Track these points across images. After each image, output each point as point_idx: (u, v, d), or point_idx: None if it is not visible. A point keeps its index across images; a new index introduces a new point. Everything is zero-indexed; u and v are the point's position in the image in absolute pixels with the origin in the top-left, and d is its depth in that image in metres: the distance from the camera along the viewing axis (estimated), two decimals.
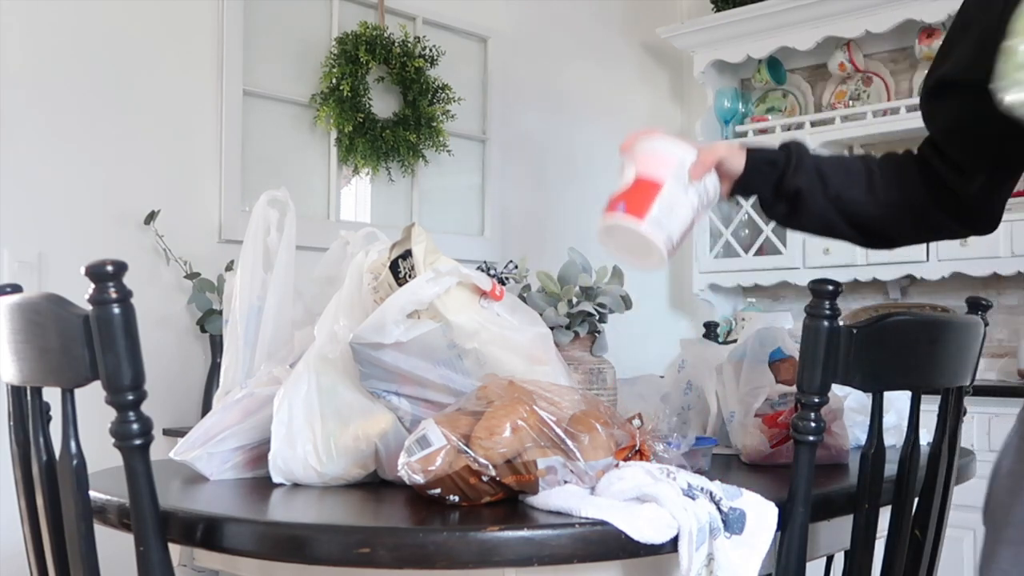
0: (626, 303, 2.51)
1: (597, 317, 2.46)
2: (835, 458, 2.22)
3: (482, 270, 2.40)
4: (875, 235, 2.00)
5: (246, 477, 2.04)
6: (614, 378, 2.51)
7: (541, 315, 2.26)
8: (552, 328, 2.25)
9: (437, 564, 1.51)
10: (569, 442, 1.68)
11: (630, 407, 2.54)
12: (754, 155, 1.96)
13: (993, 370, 4.54)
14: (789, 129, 5.11)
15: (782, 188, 1.94)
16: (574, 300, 2.43)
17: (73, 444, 1.56)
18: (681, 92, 5.71)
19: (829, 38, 4.94)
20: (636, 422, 1.81)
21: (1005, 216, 1.94)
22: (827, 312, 1.75)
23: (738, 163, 1.95)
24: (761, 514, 1.65)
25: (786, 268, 4.99)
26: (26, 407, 1.82)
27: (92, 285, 1.48)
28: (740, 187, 1.98)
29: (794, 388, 1.95)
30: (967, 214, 1.92)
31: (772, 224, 5.01)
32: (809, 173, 1.93)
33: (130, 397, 1.49)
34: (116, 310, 1.47)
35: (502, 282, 2.39)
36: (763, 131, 5.21)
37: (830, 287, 1.77)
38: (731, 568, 1.60)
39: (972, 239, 4.20)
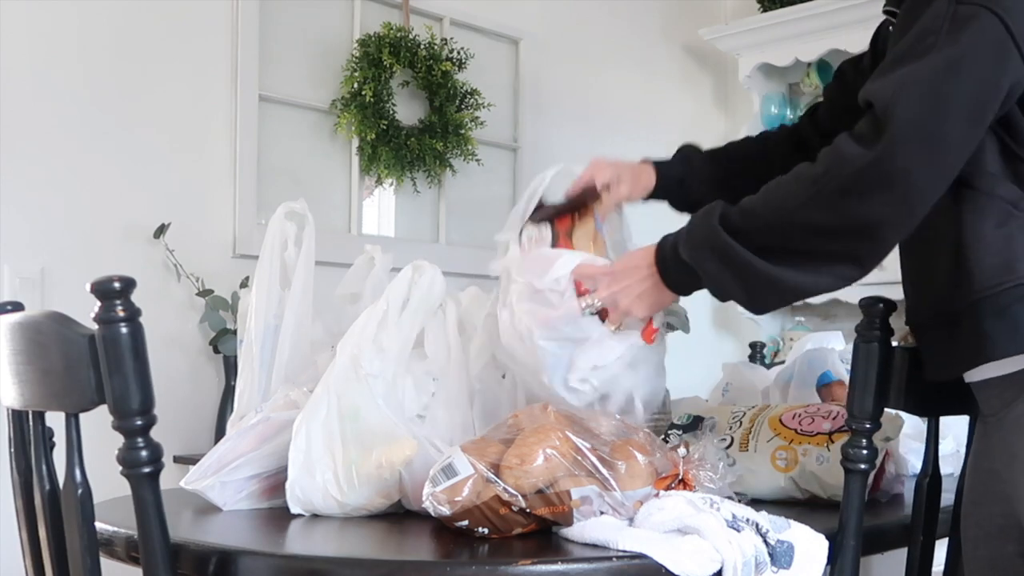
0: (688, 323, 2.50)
1: None
2: (888, 488, 2.21)
3: None
4: None
5: (262, 507, 2.04)
6: (669, 402, 2.50)
7: None
8: None
9: None
10: (605, 471, 1.68)
11: None
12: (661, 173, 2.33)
13: None
14: None
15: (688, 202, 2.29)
16: None
17: (78, 472, 1.56)
18: (725, 98, 5.69)
19: None
20: (681, 451, 1.80)
21: None
22: (879, 332, 1.75)
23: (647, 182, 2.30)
24: (810, 547, 1.64)
25: None
26: (28, 433, 1.83)
27: (98, 303, 1.48)
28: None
29: None
30: None
31: None
32: (708, 184, 2.31)
33: (139, 422, 1.50)
34: (124, 329, 1.48)
35: None
36: None
37: (882, 305, 1.77)
38: None
39: None
